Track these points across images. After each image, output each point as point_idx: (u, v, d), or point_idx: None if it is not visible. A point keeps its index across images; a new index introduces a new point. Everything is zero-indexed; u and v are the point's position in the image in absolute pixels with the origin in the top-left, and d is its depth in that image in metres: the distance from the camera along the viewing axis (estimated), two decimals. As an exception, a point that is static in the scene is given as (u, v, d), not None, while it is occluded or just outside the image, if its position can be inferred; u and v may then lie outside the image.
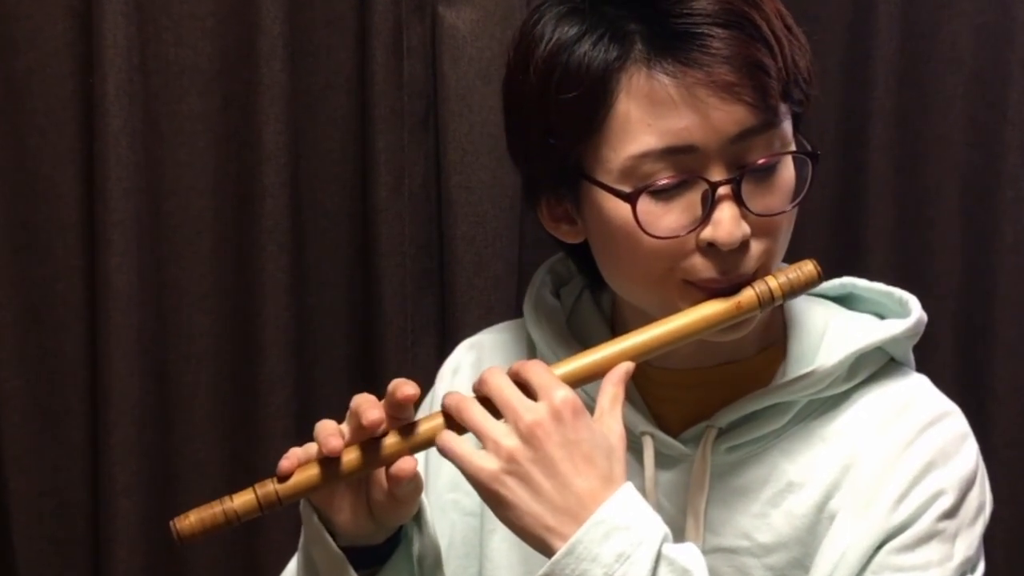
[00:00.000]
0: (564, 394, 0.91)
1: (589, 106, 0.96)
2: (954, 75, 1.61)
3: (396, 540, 1.04)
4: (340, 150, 1.59)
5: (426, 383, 1.20)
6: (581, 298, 1.15)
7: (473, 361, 1.20)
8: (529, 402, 0.91)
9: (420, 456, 1.14)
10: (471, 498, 1.12)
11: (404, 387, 0.94)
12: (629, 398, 1.03)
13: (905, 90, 1.60)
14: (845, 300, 1.12)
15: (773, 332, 1.08)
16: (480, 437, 0.92)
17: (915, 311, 1.07)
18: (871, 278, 1.15)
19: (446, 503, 1.14)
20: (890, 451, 1.02)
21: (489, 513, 1.10)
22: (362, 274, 1.60)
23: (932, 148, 1.62)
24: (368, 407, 0.94)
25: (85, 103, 1.51)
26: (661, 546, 0.89)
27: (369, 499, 0.99)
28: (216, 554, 1.61)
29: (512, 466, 0.90)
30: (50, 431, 1.57)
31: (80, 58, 1.51)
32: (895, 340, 1.06)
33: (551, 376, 0.93)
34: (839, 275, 1.17)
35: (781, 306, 1.07)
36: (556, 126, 0.98)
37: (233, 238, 1.57)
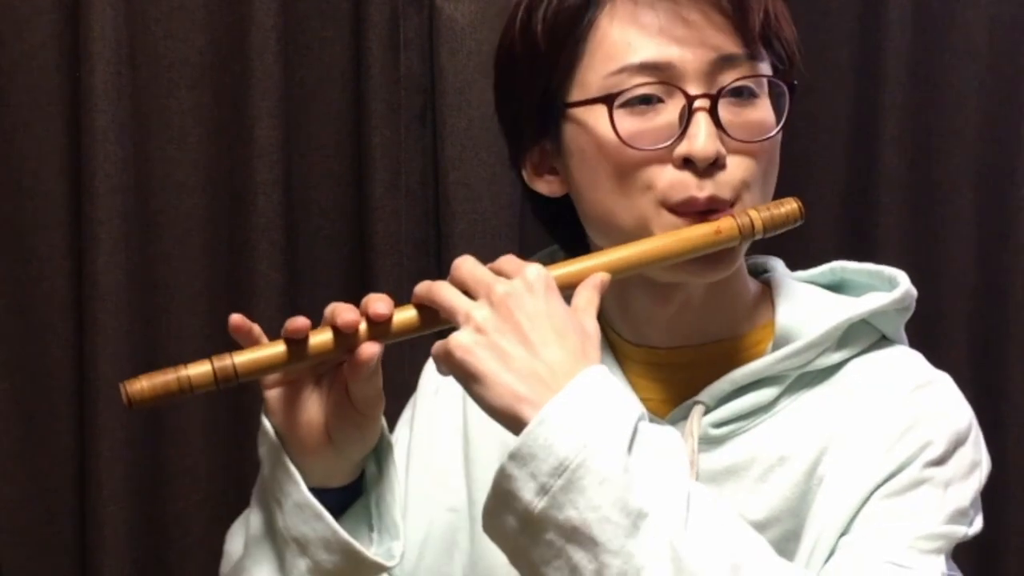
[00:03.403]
0: (537, 270, 0.91)
1: (571, 25, 0.99)
2: (968, 68, 1.61)
3: (356, 493, 1.03)
4: (335, 146, 1.58)
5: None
6: None
7: None
8: (501, 279, 0.91)
9: (402, 449, 1.13)
10: (452, 493, 1.12)
11: (376, 304, 0.93)
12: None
13: (918, 83, 1.60)
14: (837, 288, 1.12)
15: (761, 311, 1.08)
16: (451, 313, 0.91)
17: (903, 284, 1.07)
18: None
19: (426, 496, 1.12)
20: (878, 412, 1.02)
21: (477, 508, 1.07)
22: (357, 273, 1.58)
23: (945, 143, 1.62)
24: (343, 310, 0.93)
25: (72, 97, 1.50)
26: (638, 423, 0.87)
27: (327, 411, 0.97)
28: (207, 561, 1.58)
29: (482, 336, 0.88)
30: (36, 436, 1.54)
31: (67, 51, 1.50)
32: (884, 314, 1.06)
33: (523, 262, 0.93)
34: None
35: (770, 286, 1.08)
36: (540, 52, 1.01)
37: (224, 236, 1.55)
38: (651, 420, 1.02)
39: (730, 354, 1.06)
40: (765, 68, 1.00)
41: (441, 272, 1.58)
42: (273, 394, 0.97)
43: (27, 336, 1.53)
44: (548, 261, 1.16)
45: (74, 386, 1.53)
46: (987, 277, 1.63)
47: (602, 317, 1.05)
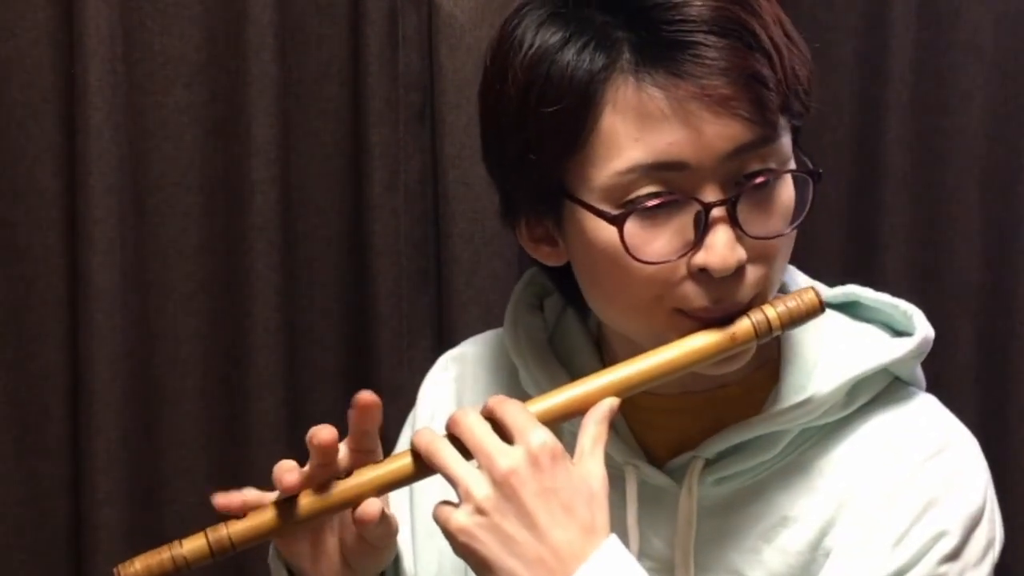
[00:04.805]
0: (542, 437, 0.86)
1: (572, 120, 0.90)
2: (974, 65, 1.58)
3: None
4: (332, 144, 1.56)
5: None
6: (566, 313, 1.10)
7: (456, 376, 1.15)
8: (504, 446, 0.86)
9: None
10: None
11: (320, 433, 0.88)
12: (612, 426, 0.95)
13: (923, 82, 1.58)
14: (850, 308, 1.06)
15: (766, 352, 1.01)
16: (450, 481, 0.87)
17: (920, 328, 1.00)
18: (888, 278, 1.10)
19: (434, 528, 1.08)
20: (890, 485, 0.96)
21: None
22: (355, 273, 1.57)
23: (951, 142, 1.60)
24: (284, 471, 0.89)
25: (66, 94, 1.49)
26: None
27: (343, 544, 0.94)
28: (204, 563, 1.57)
29: (484, 518, 0.84)
30: (29, 437, 1.53)
31: (61, 47, 1.49)
32: (900, 361, 1.00)
33: (528, 417, 0.88)
34: (854, 277, 1.11)
35: None
36: (537, 141, 0.92)
37: (221, 236, 1.54)
38: (651, 477, 1.00)
39: (733, 400, 1.01)
40: (785, 142, 0.93)
41: (440, 271, 1.57)
42: (282, 539, 0.94)
43: (21, 336, 1.52)
44: (533, 289, 1.10)
45: (68, 387, 1.52)
46: (993, 277, 1.61)
47: (609, 361, 1.01)
